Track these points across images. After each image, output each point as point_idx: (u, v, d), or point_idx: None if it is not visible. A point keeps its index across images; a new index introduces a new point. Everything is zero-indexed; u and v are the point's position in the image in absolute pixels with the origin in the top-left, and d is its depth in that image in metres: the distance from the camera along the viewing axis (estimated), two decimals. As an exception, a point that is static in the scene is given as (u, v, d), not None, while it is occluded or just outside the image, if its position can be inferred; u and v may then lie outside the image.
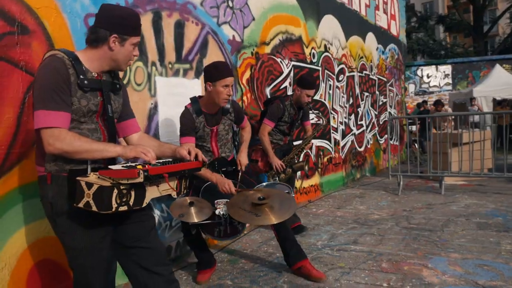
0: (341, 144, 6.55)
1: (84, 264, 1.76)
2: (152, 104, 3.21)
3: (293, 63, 5.18)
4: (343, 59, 6.66)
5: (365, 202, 5.28)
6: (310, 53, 5.61)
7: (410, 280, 2.74)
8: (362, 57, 7.45)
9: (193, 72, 3.60)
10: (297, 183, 5.23)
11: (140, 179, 1.55)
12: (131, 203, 1.61)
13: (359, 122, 7.28)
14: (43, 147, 1.69)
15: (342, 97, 6.61)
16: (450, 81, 15.71)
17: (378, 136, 8.27)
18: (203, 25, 3.71)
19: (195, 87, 3.62)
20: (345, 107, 6.71)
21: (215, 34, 3.88)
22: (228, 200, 2.65)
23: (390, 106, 8.98)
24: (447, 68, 15.87)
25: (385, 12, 8.86)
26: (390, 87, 9.04)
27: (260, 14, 4.60)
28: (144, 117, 3.14)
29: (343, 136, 6.63)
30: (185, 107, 2.86)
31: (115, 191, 1.56)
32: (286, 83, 5.05)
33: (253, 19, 4.47)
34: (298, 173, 4.97)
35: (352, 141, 6.98)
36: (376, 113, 8.19)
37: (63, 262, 2.48)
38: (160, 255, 1.88)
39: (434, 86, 15.82)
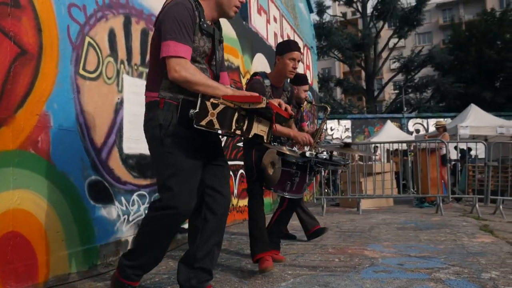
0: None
1: (181, 183, 1.90)
2: (119, 99, 3.34)
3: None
4: (271, 95, 7.31)
5: (296, 219, 5.69)
6: (246, 83, 6.13)
7: (356, 256, 3.15)
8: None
9: (154, 78, 3.81)
10: (234, 201, 5.48)
11: (263, 105, 1.78)
12: (244, 129, 1.83)
13: (282, 155, 7.86)
14: (161, 74, 1.91)
15: (270, 128, 7.18)
16: (350, 134, 17.59)
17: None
18: (164, 37, 4.00)
19: (155, 91, 3.82)
20: (272, 138, 7.27)
21: (173, 48, 4.18)
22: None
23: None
24: (347, 123, 17.82)
25: (301, 61, 9.96)
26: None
27: (208, 40, 5.03)
28: (111, 110, 3.25)
29: (270, 164, 7.11)
30: (254, 78, 2.98)
31: (236, 114, 1.78)
32: (227, 106, 5.44)
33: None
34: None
35: (277, 171, 7.49)
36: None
37: (31, 236, 2.42)
38: (227, 202, 2.10)
39: (337, 138, 17.54)
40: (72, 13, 2.89)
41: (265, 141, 1.99)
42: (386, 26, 25.45)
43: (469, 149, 9.81)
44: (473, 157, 9.96)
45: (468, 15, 37.95)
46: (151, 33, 3.79)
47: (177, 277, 2.08)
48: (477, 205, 5.79)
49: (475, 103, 13.94)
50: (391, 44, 23.88)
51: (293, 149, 3.02)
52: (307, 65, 10.56)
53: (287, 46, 2.95)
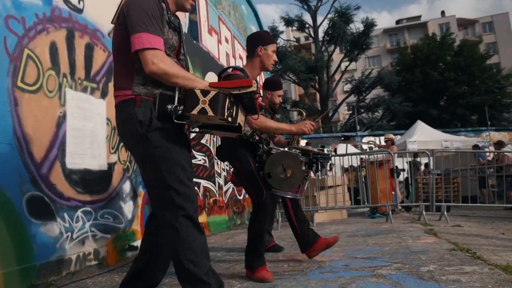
0: (224, 189, 7.00)
1: (180, 174, 1.76)
2: (61, 112, 3.27)
3: (184, 106, 5.64)
4: (224, 113, 7.37)
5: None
6: (219, 76, 6.17)
7: (305, 262, 3.19)
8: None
9: (99, 92, 3.77)
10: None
11: (254, 88, 1.71)
12: (233, 115, 1.74)
13: (231, 171, 7.89)
14: (133, 70, 1.79)
15: (224, 146, 7.21)
16: (306, 153, 17.95)
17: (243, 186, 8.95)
18: (109, 53, 3.98)
19: (101, 106, 3.77)
20: (227, 156, 7.29)
21: (120, 63, 4.16)
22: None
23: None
24: (303, 142, 18.17)
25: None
26: (261, 147, 10.05)
27: (157, 57, 5.05)
28: (53, 124, 3.17)
29: (225, 182, 7.11)
30: (234, 73, 2.68)
31: (227, 99, 1.69)
32: (178, 123, 5.43)
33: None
34: None
35: (233, 188, 7.49)
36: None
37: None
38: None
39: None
40: (10, 25, 2.84)
41: (241, 132, 1.87)
42: (337, 50, 26.60)
43: (426, 164, 10.22)
44: (423, 169, 10.46)
45: (412, 39, 40.39)
46: (96, 48, 3.79)
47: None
48: (424, 213, 6.03)
49: (423, 120, 14.73)
50: (343, 67, 24.86)
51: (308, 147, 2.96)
52: (260, 85, 10.77)
53: (270, 37, 2.81)
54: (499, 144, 10.13)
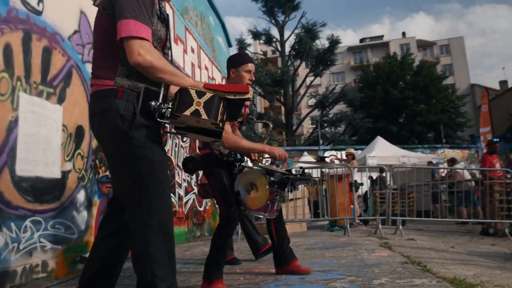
0: (184, 200, 6.91)
1: (161, 177, 1.67)
2: (13, 117, 3.13)
3: (145, 115, 5.55)
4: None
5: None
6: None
7: (261, 275, 3.19)
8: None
9: (56, 98, 3.65)
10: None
11: (250, 95, 1.63)
12: (223, 121, 1.64)
13: (198, 183, 7.83)
14: (117, 59, 1.66)
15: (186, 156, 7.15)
16: (270, 165, 18.03)
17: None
18: (69, 57, 3.88)
19: (57, 112, 3.65)
20: (188, 166, 7.22)
21: (79, 69, 4.05)
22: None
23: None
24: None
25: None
26: (224, 158, 10.03)
27: (120, 64, 4.97)
28: (3, 128, 3.03)
29: (186, 193, 7.03)
30: None
31: (222, 103, 1.58)
32: (139, 131, 5.33)
33: (113, 66, 4.80)
34: None
35: (193, 200, 7.41)
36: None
37: None
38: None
39: (257, 169, 17.85)
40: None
41: (220, 138, 1.78)
42: (303, 64, 27.09)
43: (378, 178, 10.52)
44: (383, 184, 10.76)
45: (375, 57, 41.83)
46: (54, 52, 3.68)
47: None
48: (380, 226, 6.20)
49: (383, 136, 15.22)
50: (308, 82, 25.32)
51: (279, 166, 3.01)
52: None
53: (242, 59, 2.86)
54: (452, 161, 10.60)
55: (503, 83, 36.91)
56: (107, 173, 4.37)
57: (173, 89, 1.85)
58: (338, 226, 7.36)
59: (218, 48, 10.68)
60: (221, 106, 1.60)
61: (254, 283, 2.86)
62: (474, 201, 8.47)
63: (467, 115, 29.81)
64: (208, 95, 1.59)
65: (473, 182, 8.79)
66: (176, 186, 6.58)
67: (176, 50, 7.07)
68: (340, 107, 28.03)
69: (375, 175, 10.64)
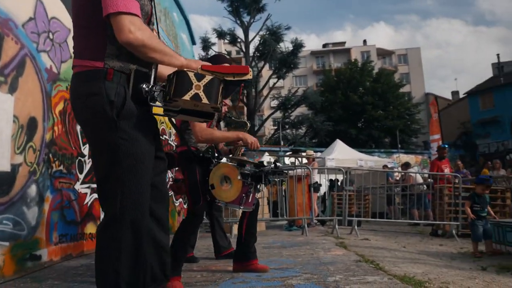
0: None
1: (141, 172, 1.56)
2: (-42, 105, 2.95)
3: (104, 109, 5.39)
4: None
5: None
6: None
7: (219, 272, 3.18)
8: (163, 122, 8.13)
9: (7, 87, 3.47)
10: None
11: (250, 76, 1.52)
12: (222, 103, 1.55)
13: (173, 178, 7.67)
14: (104, 38, 1.52)
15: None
16: (231, 165, 18.01)
17: (174, 198, 8.78)
18: (22, 45, 3.70)
19: (8, 101, 3.47)
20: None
21: (34, 58, 3.88)
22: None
23: (185, 173, 9.74)
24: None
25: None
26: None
27: (78, 55, 4.79)
28: None
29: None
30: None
31: (221, 86, 1.49)
32: (96, 126, 5.17)
33: (71, 56, 4.62)
34: None
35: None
36: (173, 176, 8.78)
37: None
38: (167, 199, 1.82)
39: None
40: None
41: (212, 118, 1.71)
42: (267, 66, 27.26)
43: (337, 179, 10.78)
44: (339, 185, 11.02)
45: (336, 63, 42.83)
46: (6, 39, 3.50)
47: None
48: (336, 226, 6.34)
49: (343, 139, 15.61)
50: (271, 83, 25.50)
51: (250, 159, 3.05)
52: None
53: (219, 59, 2.81)
54: (406, 165, 11.02)
55: (455, 93, 38.83)
56: (61, 167, 4.22)
57: (163, 69, 1.76)
58: (296, 226, 7.46)
59: (182, 45, 10.55)
60: (220, 89, 1.52)
61: (211, 281, 2.85)
62: (425, 204, 8.84)
63: (421, 122, 31.13)
64: (208, 77, 1.50)
65: (424, 186, 9.17)
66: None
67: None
68: (301, 109, 28.44)
69: (333, 177, 10.88)
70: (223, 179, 2.71)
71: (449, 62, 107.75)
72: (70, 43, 4.62)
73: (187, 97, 1.47)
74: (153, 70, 1.55)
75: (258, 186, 2.96)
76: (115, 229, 1.57)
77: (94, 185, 5.03)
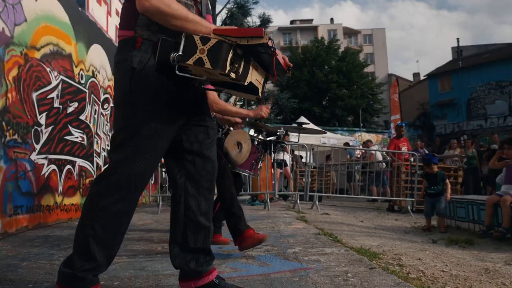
0: (103, 169, 6.60)
1: (138, 145, 1.56)
2: None
3: (62, 77, 5.16)
4: (109, 90, 6.95)
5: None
6: (78, 73, 5.69)
7: (180, 244, 3.18)
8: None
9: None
10: (58, 199, 4.99)
11: (265, 40, 1.38)
12: (240, 72, 1.42)
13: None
14: (134, 6, 1.52)
15: (106, 125, 6.80)
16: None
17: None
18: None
19: (-45, 65, 3.25)
20: (108, 135, 6.90)
21: (-16, 18, 3.63)
22: None
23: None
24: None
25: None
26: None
27: (33, 18, 4.51)
28: None
29: (105, 162, 6.72)
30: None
31: (231, 51, 1.38)
32: (54, 94, 4.95)
33: (25, 20, 4.36)
34: None
35: (113, 170, 7.11)
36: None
37: None
38: (213, 167, 1.76)
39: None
40: None
41: (259, 95, 1.63)
42: (233, 40, 26.86)
43: (301, 156, 10.94)
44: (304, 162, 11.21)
45: (303, 40, 42.80)
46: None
47: (172, 261, 1.79)
48: (298, 201, 6.48)
49: (307, 117, 15.77)
50: (237, 58, 25.25)
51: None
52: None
53: None
54: (368, 143, 11.33)
55: (416, 75, 39.98)
56: (16, 136, 4.03)
57: None
58: (259, 200, 7.56)
59: (146, 14, 10.17)
60: (230, 54, 1.39)
61: (172, 253, 2.85)
62: (383, 181, 9.18)
63: (384, 102, 31.93)
64: (213, 41, 1.39)
65: (384, 164, 9.49)
66: (95, 155, 6.26)
67: (98, 11, 6.62)
68: (267, 86, 28.34)
69: (297, 153, 11.04)
70: (235, 145, 2.87)
71: (412, 44, 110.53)
72: (25, 4, 4.34)
73: (190, 61, 1.40)
74: (183, 39, 1.46)
75: (262, 155, 3.09)
76: (100, 185, 1.63)
77: (52, 156, 4.85)
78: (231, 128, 3.10)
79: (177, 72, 1.44)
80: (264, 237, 2.65)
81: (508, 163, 4.67)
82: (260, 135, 3.05)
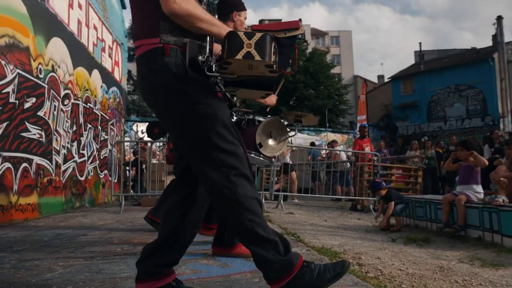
0: (62, 168, 6.38)
1: (225, 134, 1.54)
2: None
3: (18, 71, 4.93)
4: (70, 85, 6.71)
5: (89, 217, 5.34)
6: (37, 67, 5.47)
7: (140, 245, 3.10)
8: (87, 90, 7.66)
9: None
10: (13, 198, 4.77)
11: (302, 31, 1.45)
12: (277, 65, 1.47)
13: (81, 151, 7.29)
14: (158, 14, 1.51)
15: (67, 121, 6.57)
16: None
17: (98, 169, 8.40)
18: None
19: None
20: (69, 132, 6.66)
21: None
22: None
23: (111, 144, 9.29)
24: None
25: (110, 56, 9.49)
26: (111, 126, 9.48)
27: (-13, 8, 4.30)
28: None
29: (65, 160, 6.49)
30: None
31: (273, 44, 1.41)
32: (9, 89, 4.73)
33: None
34: None
35: (74, 168, 6.89)
36: (98, 147, 8.38)
37: None
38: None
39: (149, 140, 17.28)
40: None
41: (272, 90, 1.69)
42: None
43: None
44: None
45: (272, 40, 42.89)
46: None
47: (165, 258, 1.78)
48: (263, 201, 6.50)
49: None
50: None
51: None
52: (116, 61, 10.13)
53: (243, 5, 2.65)
54: (333, 143, 11.52)
55: (380, 77, 41.00)
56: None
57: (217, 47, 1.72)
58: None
59: (110, 8, 9.91)
60: (273, 46, 1.46)
61: (131, 254, 2.78)
62: (347, 181, 9.36)
63: (349, 103, 32.58)
64: (258, 34, 1.45)
65: (348, 164, 9.68)
66: (54, 152, 6.03)
67: (59, 3, 6.38)
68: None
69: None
70: (269, 136, 2.72)
71: (377, 47, 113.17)
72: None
73: (239, 56, 1.43)
74: (208, 41, 1.53)
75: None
76: (229, 186, 1.55)
77: (6, 153, 4.64)
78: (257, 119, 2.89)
79: (207, 72, 1.51)
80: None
81: (462, 164, 4.85)
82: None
